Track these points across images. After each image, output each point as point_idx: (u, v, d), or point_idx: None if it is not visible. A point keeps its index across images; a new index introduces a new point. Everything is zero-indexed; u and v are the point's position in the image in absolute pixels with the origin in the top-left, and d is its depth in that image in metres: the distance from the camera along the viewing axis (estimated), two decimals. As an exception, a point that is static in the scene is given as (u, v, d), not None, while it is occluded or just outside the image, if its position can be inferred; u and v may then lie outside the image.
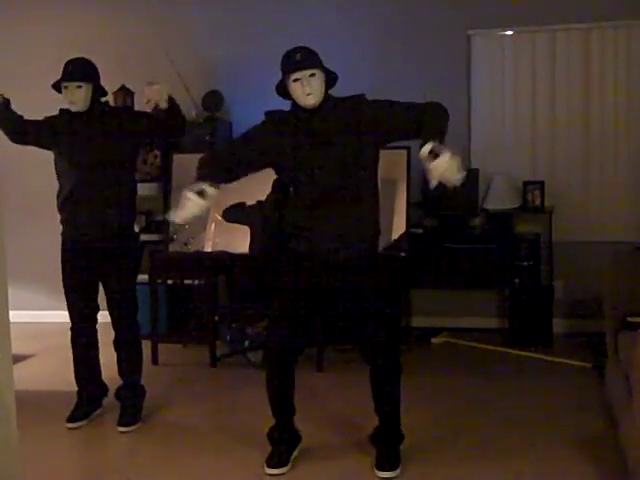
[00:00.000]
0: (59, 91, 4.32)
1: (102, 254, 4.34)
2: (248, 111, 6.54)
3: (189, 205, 3.53)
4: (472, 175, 6.06)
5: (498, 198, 6.00)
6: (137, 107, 6.26)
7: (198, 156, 5.11)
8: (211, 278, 5.68)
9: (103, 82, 6.78)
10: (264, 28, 6.47)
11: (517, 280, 5.85)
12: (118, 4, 6.73)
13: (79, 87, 4.24)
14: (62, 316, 6.95)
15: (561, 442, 4.00)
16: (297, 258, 3.64)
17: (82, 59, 4.35)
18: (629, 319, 4.08)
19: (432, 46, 6.25)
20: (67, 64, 4.31)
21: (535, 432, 4.15)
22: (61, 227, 4.43)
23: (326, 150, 3.55)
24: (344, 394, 4.84)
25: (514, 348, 5.73)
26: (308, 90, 3.55)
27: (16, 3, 6.83)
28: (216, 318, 5.64)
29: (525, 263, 5.84)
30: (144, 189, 6.51)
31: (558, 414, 4.41)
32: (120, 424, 4.32)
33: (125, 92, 6.21)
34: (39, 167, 6.92)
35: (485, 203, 6.05)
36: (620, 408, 3.78)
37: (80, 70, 4.29)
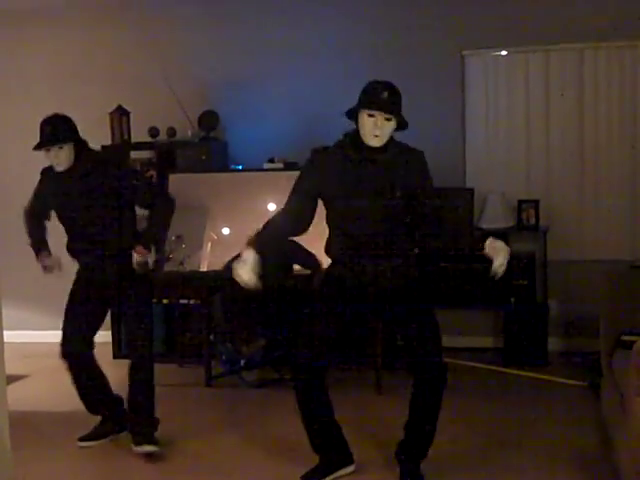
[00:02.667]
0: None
1: (114, 290, 4.41)
2: (244, 131, 6.61)
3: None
4: (467, 194, 6.09)
5: (493, 217, 6.01)
6: (133, 128, 6.30)
7: (194, 176, 5.17)
8: (207, 298, 5.67)
9: (100, 102, 6.84)
10: (260, 48, 6.50)
11: (512, 299, 5.86)
12: (115, 24, 6.76)
13: (61, 148, 4.24)
14: (56, 336, 6.98)
15: (557, 460, 3.99)
16: (338, 284, 3.68)
17: (57, 117, 4.30)
18: (624, 338, 4.08)
19: (427, 66, 6.28)
20: (44, 125, 4.29)
21: (531, 450, 4.14)
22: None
23: (373, 195, 3.56)
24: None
25: (509, 367, 5.72)
26: (378, 132, 3.52)
27: (12, 23, 6.85)
28: (212, 338, 5.63)
29: (520, 282, 5.85)
30: (139, 209, 6.53)
31: (553, 432, 4.40)
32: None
33: (121, 112, 6.23)
34: (31, 187, 6.97)
35: (480, 222, 6.06)
36: (615, 426, 3.78)
37: (60, 130, 4.25)
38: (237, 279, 3.61)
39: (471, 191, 6.08)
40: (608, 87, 6.05)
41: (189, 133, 6.29)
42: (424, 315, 3.73)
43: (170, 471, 4.07)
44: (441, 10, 6.26)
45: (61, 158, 4.26)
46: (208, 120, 6.31)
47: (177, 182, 5.74)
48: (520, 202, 6.05)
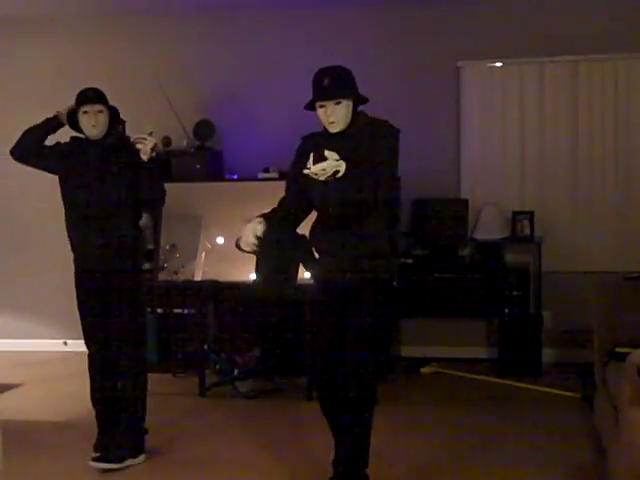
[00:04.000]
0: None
1: (109, 282, 4.28)
2: (239, 140, 6.62)
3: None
4: (462, 205, 6.10)
5: (487, 228, 6.03)
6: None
7: (189, 185, 5.17)
8: (200, 307, 5.67)
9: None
10: (255, 58, 6.52)
11: (506, 310, 5.86)
12: (111, 33, 6.77)
13: (100, 112, 4.25)
14: (50, 345, 6.98)
15: (550, 471, 3.99)
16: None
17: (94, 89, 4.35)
18: (618, 349, 4.08)
19: (422, 77, 6.30)
20: (85, 90, 4.31)
21: (524, 462, 4.14)
22: (72, 254, 4.51)
23: (344, 176, 3.50)
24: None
25: (503, 378, 5.72)
26: (332, 119, 3.57)
27: (8, 33, 6.86)
28: (205, 347, 5.63)
29: (514, 293, 5.86)
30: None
31: (547, 444, 4.40)
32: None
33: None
34: (25, 194, 6.97)
35: (474, 233, 6.07)
36: (609, 438, 3.78)
37: (100, 94, 4.31)
38: (242, 238, 3.57)
39: (466, 202, 6.10)
40: (602, 100, 6.07)
41: (184, 142, 6.29)
42: (371, 323, 3.54)
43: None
44: (437, 21, 6.28)
45: (99, 121, 4.27)
46: (203, 129, 6.31)
47: (172, 191, 5.72)
48: (515, 213, 6.07)
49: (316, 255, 3.68)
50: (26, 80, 6.92)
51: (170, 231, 5.68)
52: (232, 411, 5.15)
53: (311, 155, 3.62)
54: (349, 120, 3.58)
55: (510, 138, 6.24)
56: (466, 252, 6.17)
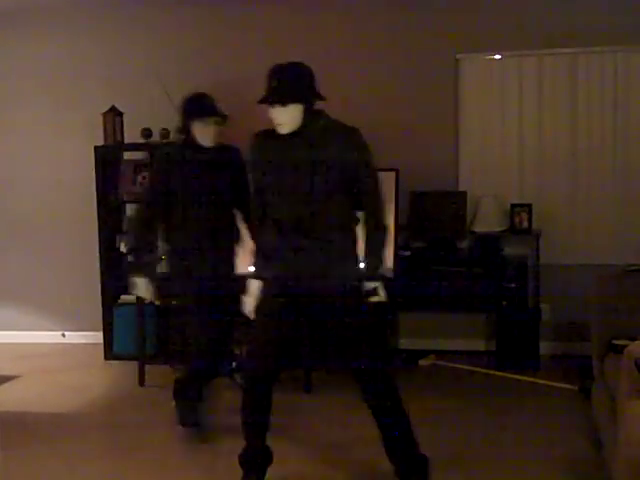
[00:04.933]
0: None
1: None
2: (237, 132, 6.58)
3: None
4: (460, 197, 6.10)
5: (486, 220, 6.03)
6: (126, 129, 6.29)
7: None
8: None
9: (93, 103, 6.83)
10: (254, 51, 6.50)
11: (504, 302, 5.87)
12: (109, 25, 6.75)
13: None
14: (48, 336, 6.98)
15: (547, 464, 4.00)
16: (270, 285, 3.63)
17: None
18: (615, 342, 4.09)
19: (421, 70, 6.29)
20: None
21: (521, 454, 4.15)
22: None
23: (297, 177, 3.51)
24: (331, 416, 4.83)
25: (501, 370, 5.73)
26: (278, 121, 3.52)
27: (5, 24, 6.84)
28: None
29: (512, 285, 5.86)
30: (132, 210, 6.52)
31: (544, 436, 4.41)
32: None
33: (114, 113, 6.22)
34: (24, 188, 6.96)
35: (473, 225, 6.07)
36: (606, 430, 3.78)
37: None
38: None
39: (464, 194, 6.09)
40: (601, 92, 6.06)
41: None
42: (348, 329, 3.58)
43: (163, 471, 4.06)
44: (435, 14, 6.26)
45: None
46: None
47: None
48: (513, 206, 6.06)
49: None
50: (23, 70, 6.90)
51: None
52: (230, 403, 5.14)
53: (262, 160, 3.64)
54: (300, 121, 3.51)
55: (509, 130, 6.23)
56: (464, 245, 6.17)
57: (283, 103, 3.48)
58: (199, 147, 4.36)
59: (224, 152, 4.46)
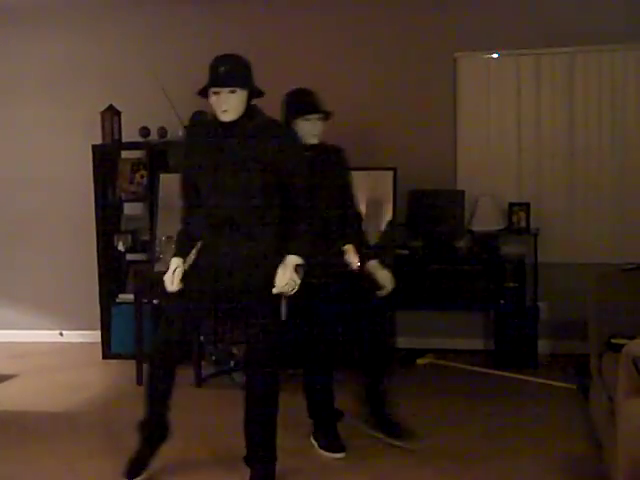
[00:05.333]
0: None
1: None
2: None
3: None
4: (458, 196, 6.10)
5: (484, 219, 6.03)
6: (124, 128, 6.29)
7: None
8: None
9: (91, 101, 6.81)
10: (252, 49, 6.46)
11: (502, 301, 5.87)
12: (106, 24, 6.74)
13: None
14: (45, 335, 6.98)
15: (545, 463, 4.00)
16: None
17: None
18: (613, 341, 4.09)
19: (418, 68, 6.29)
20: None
21: (519, 453, 4.15)
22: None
23: (231, 171, 3.58)
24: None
25: (499, 369, 5.73)
26: (225, 107, 3.57)
27: (3, 21, 6.83)
28: (202, 338, 5.62)
29: (510, 284, 5.86)
30: (130, 208, 6.53)
31: (542, 435, 4.41)
32: None
33: (112, 112, 6.21)
34: (22, 186, 6.96)
35: (471, 224, 6.07)
36: (604, 429, 3.79)
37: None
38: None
39: (462, 193, 6.09)
40: (599, 91, 6.07)
41: (180, 133, 6.27)
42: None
43: (161, 471, 4.06)
44: (433, 13, 6.26)
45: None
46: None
47: (168, 182, 5.72)
48: (511, 205, 6.06)
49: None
50: (21, 69, 6.89)
51: (166, 222, 5.67)
52: (228, 402, 5.14)
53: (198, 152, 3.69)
54: (242, 111, 3.59)
55: (507, 129, 6.23)
56: (462, 243, 6.17)
57: (232, 88, 3.57)
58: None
59: (329, 151, 4.22)
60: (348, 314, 4.21)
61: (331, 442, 4.22)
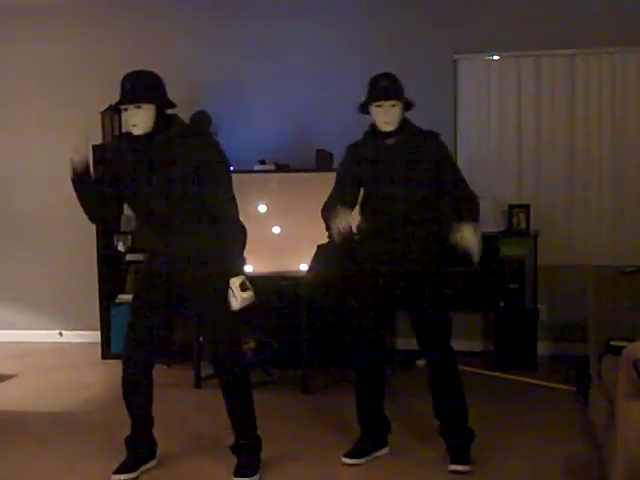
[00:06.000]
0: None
1: None
2: (235, 132, 6.59)
3: None
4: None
5: (483, 221, 5.95)
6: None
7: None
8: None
9: (92, 101, 6.80)
10: (252, 50, 6.51)
11: (502, 303, 5.87)
12: (107, 24, 6.75)
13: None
14: (45, 335, 6.98)
15: (545, 465, 4.00)
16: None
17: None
18: (613, 343, 4.09)
19: (419, 70, 6.27)
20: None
21: (519, 455, 4.15)
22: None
23: (157, 178, 3.71)
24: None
25: (498, 371, 5.73)
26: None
27: (3, 21, 6.83)
28: (201, 339, 5.62)
29: (510, 286, 5.86)
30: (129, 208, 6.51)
31: (542, 437, 4.41)
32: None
33: (113, 112, 6.21)
34: (22, 186, 6.96)
35: (470, 226, 6.06)
36: (604, 432, 3.79)
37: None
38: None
39: (462, 195, 6.08)
40: (599, 93, 6.07)
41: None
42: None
43: (159, 470, 4.06)
44: (434, 14, 6.27)
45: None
46: (200, 121, 6.28)
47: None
48: (511, 206, 6.07)
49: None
50: (22, 68, 6.90)
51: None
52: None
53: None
54: (152, 123, 3.68)
55: (506, 131, 6.24)
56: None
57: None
58: (383, 133, 3.99)
59: (415, 136, 4.06)
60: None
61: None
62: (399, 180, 3.94)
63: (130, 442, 4.04)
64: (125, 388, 3.99)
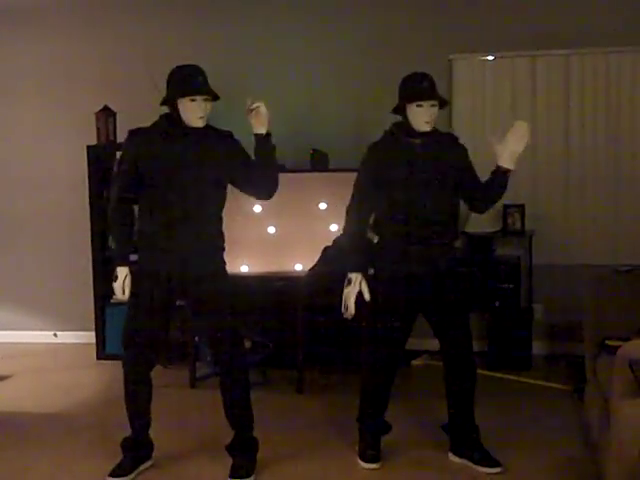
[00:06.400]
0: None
1: None
2: (232, 128, 6.56)
3: None
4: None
5: (479, 221, 6.03)
6: (119, 129, 6.28)
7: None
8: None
9: (86, 102, 6.80)
10: (247, 49, 6.50)
11: (497, 303, 5.87)
12: (100, 24, 6.74)
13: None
14: (40, 336, 6.96)
15: (540, 464, 4.01)
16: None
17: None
18: (608, 342, 4.10)
19: (413, 70, 6.26)
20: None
21: (514, 454, 4.15)
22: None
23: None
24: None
25: (493, 371, 5.73)
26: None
27: (-1, 22, 6.83)
28: (196, 339, 5.62)
29: (505, 286, 5.87)
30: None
31: (537, 437, 4.41)
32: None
33: (107, 112, 6.21)
34: (16, 187, 6.94)
35: (466, 226, 6.07)
36: (599, 431, 3.79)
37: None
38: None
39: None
40: (594, 93, 6.08)
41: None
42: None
43: (156, 470, 4.06)
44: (429, 14, 6.27)
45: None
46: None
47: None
48: (506, 206, 6.07)
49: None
50: (16, 69, 6.88)
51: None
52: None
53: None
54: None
55: (502, 131, 6.22)
56: (457, 245, 6.16)
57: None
58: (417, 133, 4.02)
59: (443, 138, 4.17)
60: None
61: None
62: (430, 181, 3.92)
63: (128, 444, 4.03)
64: (127, 389, 4.00)
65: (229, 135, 3.98)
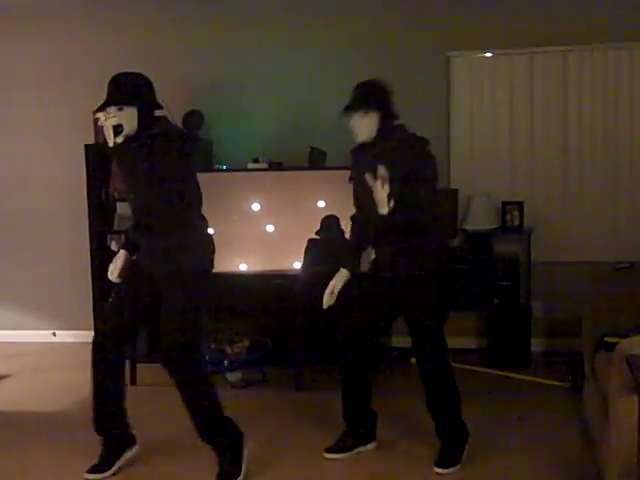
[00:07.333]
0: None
1: None
2: (228, 131, 6.59)
3: None
4: (451, 195, 6.10)
5: (477, 219, 6.03)
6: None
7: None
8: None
9: (85, 102, 6.77)
10: (245, 49, 6.50)
11: (496, 300, 5.88)
12: (100, 24, 6.73)
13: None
14: (38, 335, 6.96)
15: (539, 461, 4.00)
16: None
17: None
18: (607, 339, 4.10)
19: (412, 67, 6.29)
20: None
21: (513, 451, 4.15)
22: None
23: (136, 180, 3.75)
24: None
25: (492, 368, 5.74)
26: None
27: (-3, 22, 6.83)
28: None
29: (504, 283, 5.87)
30: (123, 208, 6.52)
31: (536, 433, 4.42)
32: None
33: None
34: (14, 186, 6.94)
35: (464, 223, 6.08)
36: (598, 427, 3.79)
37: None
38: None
39: (455, 192, 6.09)
40: (592, 90, 6.08)
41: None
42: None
43: (155, 470, 4.05)
44: (427, 12, 6.27)
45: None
46: (193, 120, 6.28)
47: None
48: (504, 204, 6.07)
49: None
50: (15, 69, 6.88)
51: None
52: (222, 401, 5.13)
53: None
54: (135, 125, 3.71)
55: (500, 128, 6.24)
56: (456, 242, 6.18)
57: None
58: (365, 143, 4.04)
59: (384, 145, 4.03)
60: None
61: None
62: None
63: (102, 431, 4.03)
64: (96, 366, 4.04)
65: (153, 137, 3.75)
